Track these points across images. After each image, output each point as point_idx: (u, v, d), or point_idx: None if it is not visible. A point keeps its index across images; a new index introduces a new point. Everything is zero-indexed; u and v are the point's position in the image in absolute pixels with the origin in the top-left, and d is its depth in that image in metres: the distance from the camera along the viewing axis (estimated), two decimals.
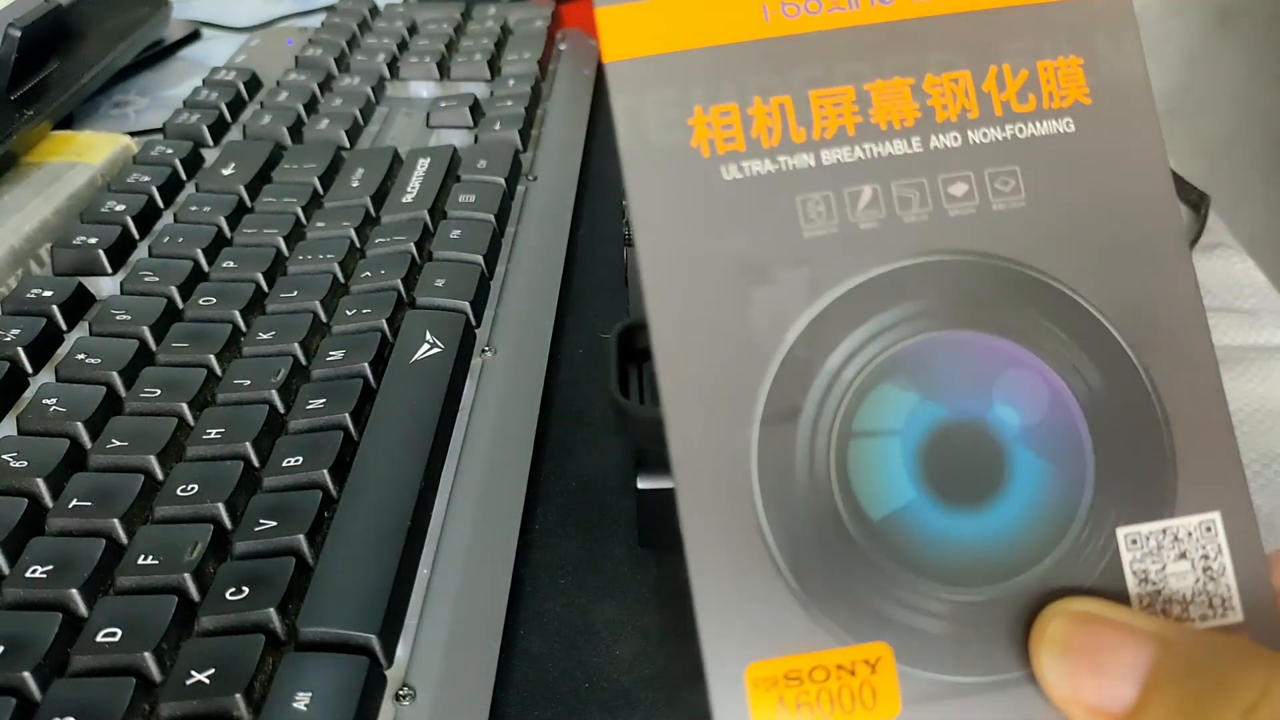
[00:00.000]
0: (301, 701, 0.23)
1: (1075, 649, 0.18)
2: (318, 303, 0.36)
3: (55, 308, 0.35)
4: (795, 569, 0.19)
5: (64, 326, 0.35)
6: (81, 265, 0.38)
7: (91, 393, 0.31)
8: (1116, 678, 0.18)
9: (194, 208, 0.41)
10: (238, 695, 0.23)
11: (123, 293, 0.37)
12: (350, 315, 0.35)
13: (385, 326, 0.35)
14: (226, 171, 0.43)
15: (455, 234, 0.39)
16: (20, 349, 0.33)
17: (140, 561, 0.27)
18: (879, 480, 0.19)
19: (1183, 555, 0.19)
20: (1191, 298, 0.20)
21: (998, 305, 0.20)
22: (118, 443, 0.30)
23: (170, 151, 0.44)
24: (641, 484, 0.28)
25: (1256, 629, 0.19)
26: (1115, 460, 0.20)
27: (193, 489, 0.29)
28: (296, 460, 0.30)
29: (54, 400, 0.31)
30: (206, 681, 0.24)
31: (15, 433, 0.31)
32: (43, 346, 0.34)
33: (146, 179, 0.42)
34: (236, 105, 0.50)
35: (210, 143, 0.47)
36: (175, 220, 0.41)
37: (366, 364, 0.33)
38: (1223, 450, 0.20)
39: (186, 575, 0.26)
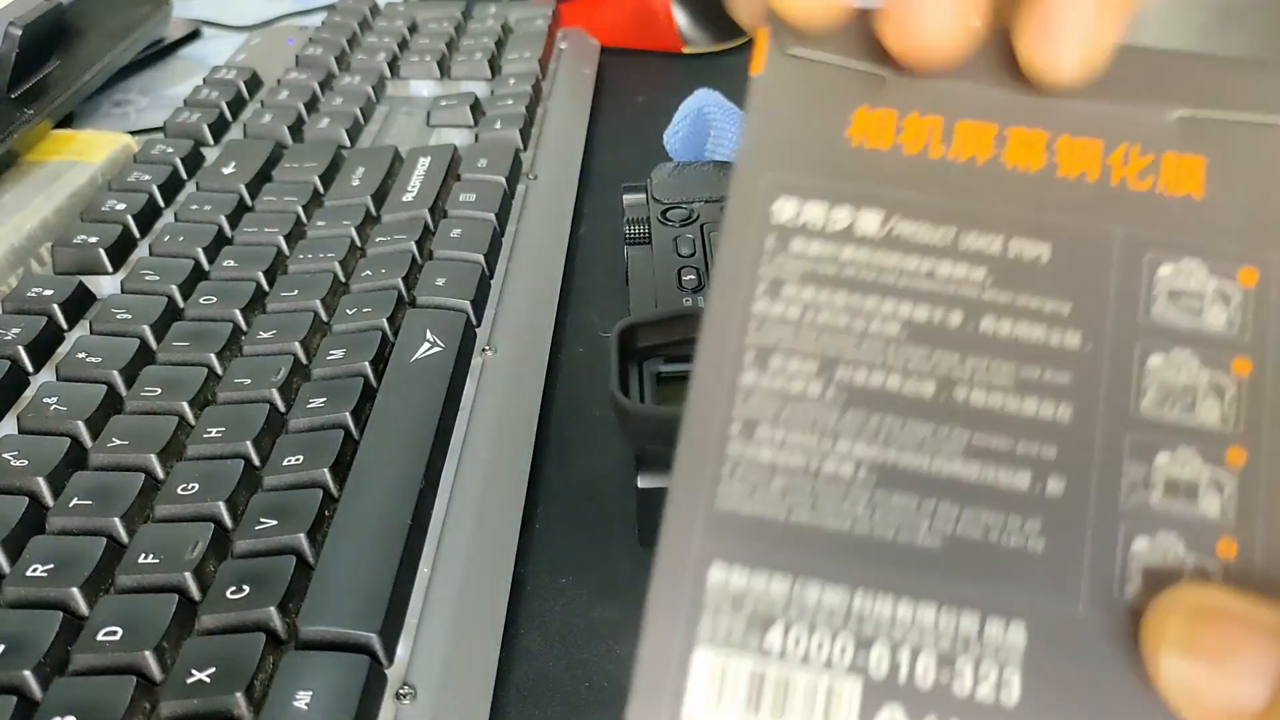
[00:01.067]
0: (302, 700, 0.23)
1: (1200, 651, 0.16)
2: (318, 301, 0.36)
3: (56, 306, 0.35)
4: None
5: (64, 325, 0.35)
6: (82, 264, 0.38)
7: (92, 392, 0.32)
8: (1247, 677, 0.16)
9: (194, 206, 0.41)
10: (238, 694, 0.23)
11: (123, 291, 0.37)
12: (351, 314, 0.35)
13: (386, 325, 0.35)
14: (227, 170, 0.43)
15: (456, 233, 0.39)
16: (21, 348, 0.33)
17: (141, 560, 0.27)
18: None
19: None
20: None
21: None
22: (118, 441, 0.30)
23: (171, 150, 0.44)
24: (641, 484, 0.28)
25: None
26: None
27: (193, 488, 0.29)
28: (297, 459, 0.30)
29: (55, 399, 0.31)
30: (207, 680, 0.24)
31: (16, 431, 0.31)
32: (43, 345, 0.34)
33: (147, 178, 0.42)
34: (237, 104, 0.50)
35: (211, 142, 0.47)
36: (176, 219, 0.41)
37: (367, 363, 0.33)
38: None
39: (187, 574, 0.26)
